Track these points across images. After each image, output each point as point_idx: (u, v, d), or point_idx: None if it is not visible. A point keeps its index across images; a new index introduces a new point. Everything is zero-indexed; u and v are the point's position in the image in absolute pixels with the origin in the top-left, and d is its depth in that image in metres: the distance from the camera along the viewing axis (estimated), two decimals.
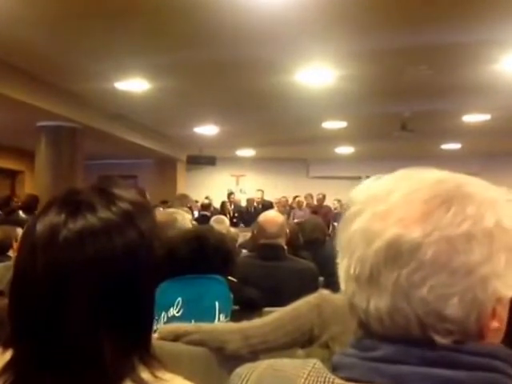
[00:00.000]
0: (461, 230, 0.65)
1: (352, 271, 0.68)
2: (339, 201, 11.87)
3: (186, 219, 3.52)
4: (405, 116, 9.30)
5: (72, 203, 0.85)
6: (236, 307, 2.40)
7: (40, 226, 0.84)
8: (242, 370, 0.78)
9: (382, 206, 0.68)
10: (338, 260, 0.72)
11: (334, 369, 0.71)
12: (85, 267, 0.80)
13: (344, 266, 0.70)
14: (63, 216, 0.83)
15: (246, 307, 2.46)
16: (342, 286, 0.72)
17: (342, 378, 0.69)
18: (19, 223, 5.14)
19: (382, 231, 0.66)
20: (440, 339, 0.65)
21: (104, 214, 0.84)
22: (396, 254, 0.65)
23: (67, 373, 0.80)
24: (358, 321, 0.71)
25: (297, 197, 12.73)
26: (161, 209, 7.79)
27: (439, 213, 0.65)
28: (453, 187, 0.68)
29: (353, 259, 0.68)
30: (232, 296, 2.35)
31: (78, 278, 0.80)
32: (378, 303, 0.66)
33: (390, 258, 0.65)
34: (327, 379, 0.70)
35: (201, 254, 2.39)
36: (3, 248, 4.10)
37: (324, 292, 1.76)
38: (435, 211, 0.65)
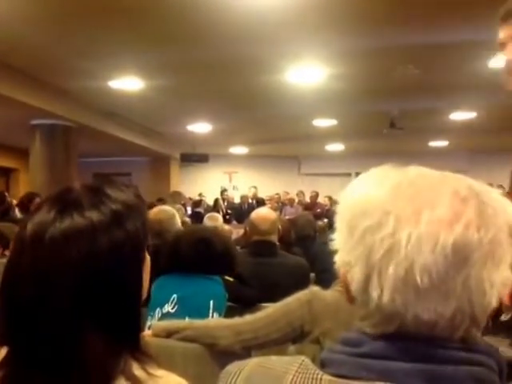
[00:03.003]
0: (505, 223, 0.66)
1: (415, 279, 0.63)
2: (330, 198, 11.97)
3: (178, 216, 3.62)
4: (393, 114, 9.34)
5: (62, 202, 0.85)
6: (231, 304, 2.42)
7: (30, 224, 0.84)
8: (232, 367, 0.78)
9: (434, 209, 0.65)
10: (360, 271, 0.68)
11: (323, 365, 0.71)
12: (68, 266, 0.80)
13: (395, 276, 0.64)
14: (52, 215, 0.83)
15: (241, 305, 2.49)
16: (387, 296, 0.65)
17: (330, 374, 0.69)
18: (15, 222, 5.16)
19: (448, 234, 0.63)
20: (476, 334, 0.67)
21: (91, 213, 0.83)
22: (463, 254, 0.63)
23: (56, 372, 0.79)
24: (396, 327, 0.67)
25: (288, 193, 12.92)
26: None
27: (485, 209, 0.66)
28: (467, 181, 0.70)
29: (415, 266, 0.63)
30: (227, 295, 2.37)
31: (61, 277, 0.80)
32: (442, 308, 0.64)
33: (458, 260, 0.63)
34: (315, 375, 0.70)
35: (207, 258, 2.40)
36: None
37: (314, 288, 1.79)
38: (485, 210, 0.65)
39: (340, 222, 0.72)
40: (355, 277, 0.68)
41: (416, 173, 0.71)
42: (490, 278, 0.65)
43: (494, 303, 0.66)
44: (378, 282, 0.66)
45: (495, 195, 0.68)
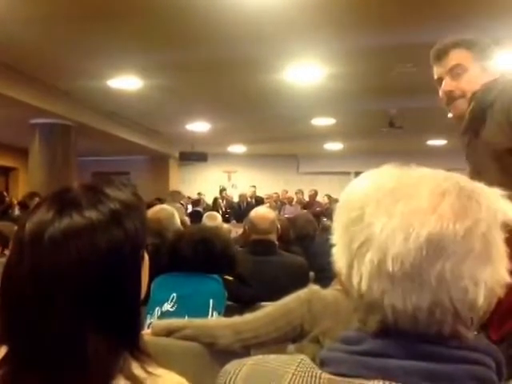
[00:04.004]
0: (496, 221, 0.66)
1: (388, 268, 0.64)
2: (329, 196, 11.99)
3: (177, 215, 3.63)
4: (392, 113, 9.38)
5: (61, 201, 0.85)
6: (230, 303, 2.42)
7: (29, 224, 0.83)
8: (230, 366, 0.78)
9: (411, 201, 0.66)
10: (344, 260, 0.70)
11: (322, 364, 0.71)
12: (68, 266, 0.80)
13: (371, 264, 0.66)
14: (51, 214, 0.83)
15: (240, 304, 2.48)
16: (365, 285, 0.67)
17: (329, 373, 0.69)
18: (14, 221, 5.16)
19: (422, 225, 0.64)
20: (466, 333, 0.67)
21: (90, 212, 0.83)
22: (439, 247, 0.63)
23: (55, 372, 0.79)
24: (379, 320, 0.68)
25: (287, 192, 12.97)
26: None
27: (473, 206, 0.65)
28: (456, 178, 0.69)
29: (388, 256, 0.64)
30: (227, 294, 2.37)
31: (61, 277, 0.80)
32: (418, 300, 0.64)
33: (432, 252, 0.63)
34: (314, 374, 0.70)
35: (206, 257, 2.40)
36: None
37: (314, 287, 1.78)
38: (468, 204, 0.65)
39: (336, 218, 0.74)
40: (341, 266, 0.71)
41: (410, 170, 0.72)
42: (473, 275, 0.64)
43: (481, 302, 0.65)
44: (357, 269, 0.68)
45: (487, 192, 0.68)
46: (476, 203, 0.66)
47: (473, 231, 0.64)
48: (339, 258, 0.72)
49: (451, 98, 1.89)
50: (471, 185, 0.69)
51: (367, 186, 0.71)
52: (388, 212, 0.66)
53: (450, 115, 1.97)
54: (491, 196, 0.68)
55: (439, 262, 0.63)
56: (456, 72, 1.86)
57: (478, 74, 1.85)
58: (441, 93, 1.91)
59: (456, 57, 1.87)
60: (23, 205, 7.18)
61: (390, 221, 0.65)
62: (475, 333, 0.69)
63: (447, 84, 1.87)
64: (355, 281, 0.68)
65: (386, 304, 0.66)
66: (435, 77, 1.93)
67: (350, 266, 0.69)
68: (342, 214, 0.72)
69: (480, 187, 0.69)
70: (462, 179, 0.70)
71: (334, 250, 0.73)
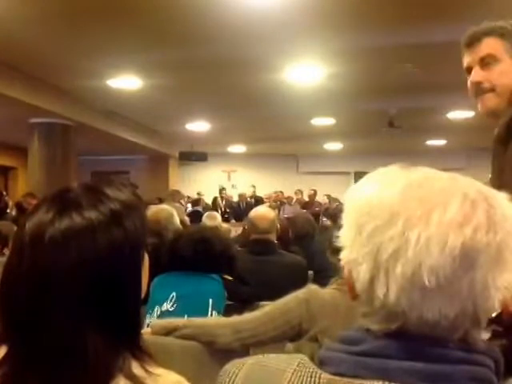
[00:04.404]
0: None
1: (422, 280, 0.63)
2: (329, 196, 12.00)
3: (176, 215, 3.64)
4: (392, 113, 9.38)
5: (61, 202, 0.85)
6: (230, 302, 2.44)
7: (29, 224, 0.83)
8: (230, 366, 0.78)
9: (444, 211, 0.64)
10: (365, 268, 0.67)
11: (321, 363, 0.71)
12: (68, 266, 0.80)
13: (403, 277, 0.64)
14: (51, 215, 0.83)
15: (239, 303, 2.50)
16: (393, 297, 0.65)
17: (328, 373, 0.69)
18: (12, 221, 5.18)
19: (456, 236, 0.63)
20: (478, 336, 0.68)
21: (90, 213, 0.83)
22: (472, 258, 0.63)
23: (55, 372, 0.79)
24: (399, 325, 0.67)
25: (282, 193, 12.93)
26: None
27: (494, 213, 0.65)
28: (475, 184, 0.69)
29: (423, 268, 0.63)
30: (226, 293, 2.39)
31: (61, 277, 0.80)
32: (446, 310, 0.64)
33: (465, 263, 0.63)
34: (314, 374, 0.70)
35: (206, 257, 2.42)
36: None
37: (312, 287, 1.81)
38: (490, 212, 0.65)
39: (348, 219, 0.71)
40: (361, 275, 0.68)
41: (425, 174, 0.71)
42: (495, 283, 0.65)
43: (497, 307, 0.66)
44: (384, 280, 0.65)
45: (502, 199, 0.68)
46: (500, 213, 0.66)
47: (503, 242, 0.65)
48: (355, 265, 0.69)
49: (479, 90, 1.70)
50: (489, 193, 0.68)
51: (392, 193, 0.68)
52: (422, 222, 0.64)
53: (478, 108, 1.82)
54: (508, 204, 0.68)
55: (470, 272, 0.63)
56: (487, 61, 1.68)
57: (510, 68, 1.66)
58: (469, 83, 1.72)
59: (489, 45, 1.69)
60: (20, 206, 7.19)
61: (424, 232, 0.64)
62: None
63: (476, 74, 1.68)
64: (380, 292, 0.66)
65: (414, 315, 0.65)
66: (464, 65, 1.75)
67: (375, 277, 0.67)
68: (360, 218, 0.69)
69: (494, 194, 0.69)
70: (480, 186, 0.69)
71: (348, 256, 0.70)
